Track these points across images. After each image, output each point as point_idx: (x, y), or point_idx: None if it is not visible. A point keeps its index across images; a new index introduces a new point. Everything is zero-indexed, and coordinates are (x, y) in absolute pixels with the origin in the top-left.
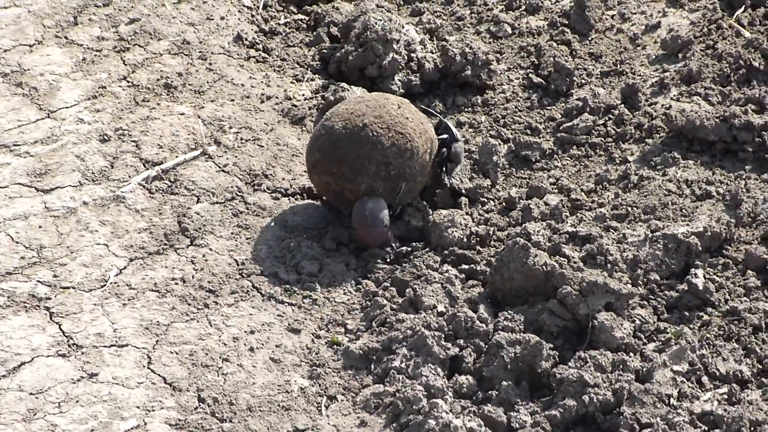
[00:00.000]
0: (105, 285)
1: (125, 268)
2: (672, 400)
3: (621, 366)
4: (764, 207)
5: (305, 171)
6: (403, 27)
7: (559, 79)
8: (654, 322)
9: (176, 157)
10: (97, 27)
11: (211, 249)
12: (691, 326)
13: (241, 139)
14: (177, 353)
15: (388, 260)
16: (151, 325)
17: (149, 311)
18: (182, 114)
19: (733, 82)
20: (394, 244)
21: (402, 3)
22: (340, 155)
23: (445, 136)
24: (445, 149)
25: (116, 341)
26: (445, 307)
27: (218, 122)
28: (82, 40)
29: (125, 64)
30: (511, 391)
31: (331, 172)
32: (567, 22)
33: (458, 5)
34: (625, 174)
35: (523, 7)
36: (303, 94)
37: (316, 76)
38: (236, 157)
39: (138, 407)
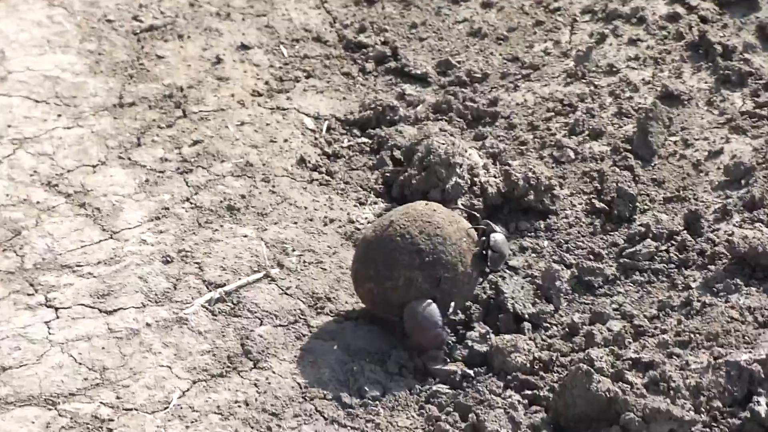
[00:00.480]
0: (168, 407)
1: (188, 390)
2: None
3: None
4: None
5: None
6: (466, 151)
7: (622, 205)
8: None
9: (239, 279)
10: (160, 148)
11: (274, 372)
12: None
13: (304, 262)
14: None
15: (446, 361)
16: None
17: None
18: (245, 236)
19: None
20: (450, 341)
21: (465, 127)
22: (373, 256)
23: (483, 228)
24: (485, 238)
25: None
26: None
27: (281, 245)
28: (145, 161)
29: (188, 186)
30: None
31: (369, 276)
32: (630, 148)
33: (521, 130)
34: (688, 300)
35: (586, 132)
36: (366, 218)
37: (379, 199)
38: (299, 280)
39: None
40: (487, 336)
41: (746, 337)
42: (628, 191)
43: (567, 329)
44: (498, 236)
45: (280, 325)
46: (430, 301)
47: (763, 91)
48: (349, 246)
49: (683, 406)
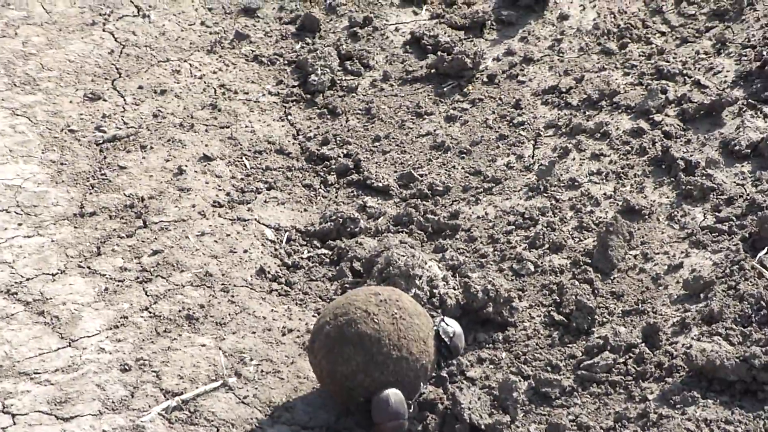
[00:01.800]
0: None
1: None
2: None
3: None
4: None
5: (324, 404)
6: (425, 263)
7: (581, 318)
8: None
9: (196, 387)
10: (120, 257)
11: None
12: None
13: (262, 371)
14: None
15: None
16: None
17: None
18: (203, 345)
19: (755, 323)
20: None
21: (425, 240)
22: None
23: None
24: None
25: None
26: None
27: (239, 354)
28: (105, 270)
29: (147, 295)
30: None
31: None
32: (590, 261)
33: (481, 242)
34: (645, 412)
35: (547, 246)
36: None
37: None
38: (256, 389)
39: None
40: None
41: None
42: (587, 304)
43: None
44: (454, 327)
45: None
46: (397, 391)
47: (725, 206)
48: (306, 356)
49: None
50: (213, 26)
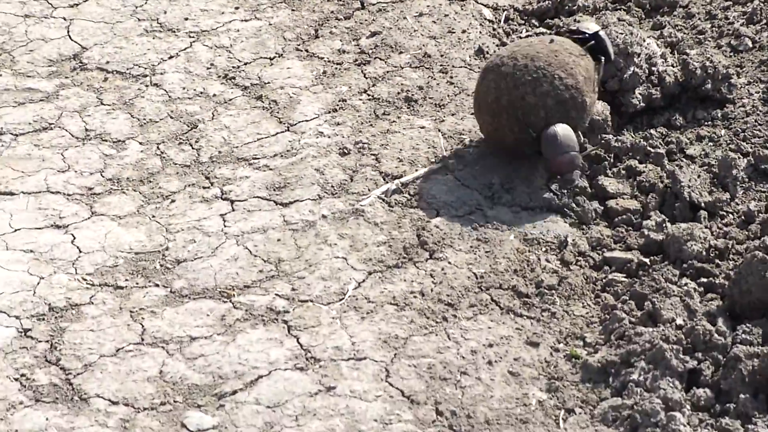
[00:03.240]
0: (343, 298)
1: (364, 281)
2: None
3: None
4: None
5: (545, 185)
6: (644, 41)
7: None
8: None
9: (416, 170)
10: (338, 40)
11: (450, 262)
12: None
13: (482, 153)
14: (415, 366)
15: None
16: (389, 338)
17: (387, 325)
18: (422, 127)
19: None
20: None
21: (643, 17)
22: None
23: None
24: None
25: (354, 354)
26: (684, 320)
27: (459, 136)
28: (322, 54)
29: (366, 78)
30: (749, 404)
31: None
32: None
33: (699, 19)
34: None
35: (765, 21)
36: None
37: None
38: (476, 170)
39: (376, 420)
40: (664, 225)
41: None
42: None
43: (743, 217)
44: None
45: (457, 216)
46: (566, 125)
47: None
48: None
49: None
50: None
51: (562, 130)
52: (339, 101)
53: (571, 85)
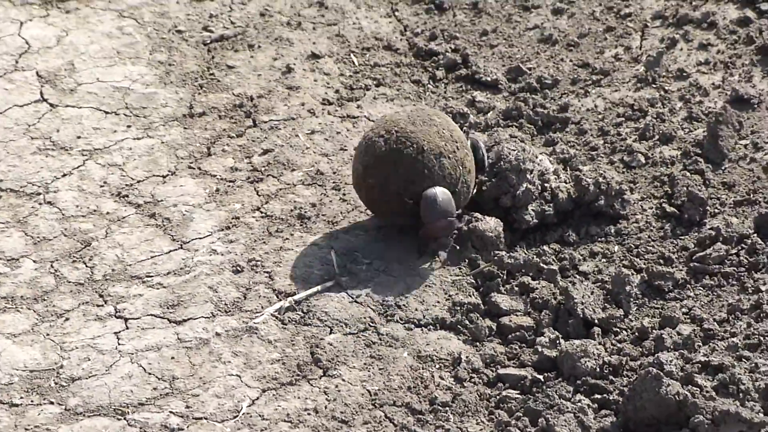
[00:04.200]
0: (237, 416)
1: (258, 399)
2: None
3: None
4: None
5: (437, 301)
6: (536, 157)
7: (692, 209)
8: None
9: (309, 288)
10: (230, 158)
11: (344, 380)
12: None
13: (374, 269)
14: None
15: (454, 247)
16: None
17: None
18: (315, 245)
19: None
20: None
21: (535, 133)
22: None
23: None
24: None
25: None
26: None
27: (352, 253)
28: (215, 171)
29: (259, 195)
30: None
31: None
32: (700, 152)
33: (592, 135)
34: (758, 304)
35: (657, 137)
36: None
37: None
38: (369, 287)
39: None
40: (557, 341)
41: None
42: (699, 195)
43: (637, 334)
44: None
45: (350, 333)
46: (445, 190)
47: None
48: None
49: (753, 408)
50: None
51: (442, 194)
52: (232, 219)
53: None
